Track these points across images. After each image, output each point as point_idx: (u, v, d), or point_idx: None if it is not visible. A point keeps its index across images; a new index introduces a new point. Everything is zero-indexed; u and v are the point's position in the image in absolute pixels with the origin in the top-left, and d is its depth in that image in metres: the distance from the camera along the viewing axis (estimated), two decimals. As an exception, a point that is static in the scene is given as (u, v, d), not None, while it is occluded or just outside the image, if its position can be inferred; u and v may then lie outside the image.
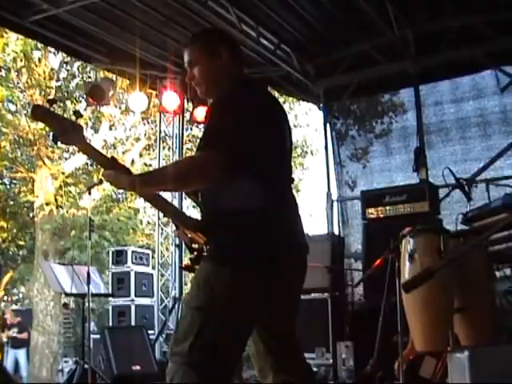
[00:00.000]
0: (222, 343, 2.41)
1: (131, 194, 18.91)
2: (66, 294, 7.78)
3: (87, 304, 7.20)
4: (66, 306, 14.12)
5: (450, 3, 7.29)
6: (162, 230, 9.52)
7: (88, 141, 2.61)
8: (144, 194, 2.73)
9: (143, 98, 8.27)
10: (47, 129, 17.35)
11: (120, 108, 17.12)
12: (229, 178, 2.40)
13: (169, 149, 9.64)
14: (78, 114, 2.56)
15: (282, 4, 7.24)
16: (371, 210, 7.12)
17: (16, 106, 17.75)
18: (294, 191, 2.75)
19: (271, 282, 2.48)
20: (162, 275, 9.81)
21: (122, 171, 2.51)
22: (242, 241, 2.45)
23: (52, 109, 2.51)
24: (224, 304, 2.42)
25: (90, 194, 6.33)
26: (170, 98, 8.53)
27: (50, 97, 17.61)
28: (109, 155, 2.61)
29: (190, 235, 2.67)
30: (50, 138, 2.56)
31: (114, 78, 8.41)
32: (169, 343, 9.11)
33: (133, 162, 18.30)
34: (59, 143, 2.54)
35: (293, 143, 2.82)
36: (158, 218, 9.52)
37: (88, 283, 6.91)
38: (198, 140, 2.51)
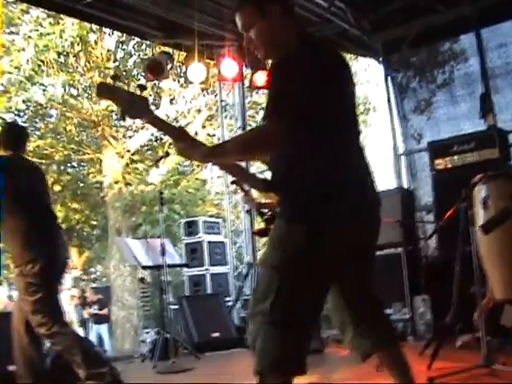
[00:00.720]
0: (300, 301, 2.43)
1: (198, 166, 19.13)
2: (143, 268, 8.00)
3: (163, 276, 7.38)
4: (142, 280, 14.45)
5: None
6: (230, 198, 9.62)
7: (155, 113, 2.63)
8: (216, 163, 2.76)
9: (202, 69, 8.24)
10: (110, 109, 17.80)
11: (179, 81, 17.23)
12: (296, 139, 2.39)
13: (231, 117, 9.66)
14: (142, 87, 2.58)
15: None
16: (439, 161, 6.99)
17: (77, 89, 18.12)
18: (362, 146, 2.71)
19: (345, 238, 2.48)
20: (234, 243, 9.94)
21: (192, 142, 2.55)
22: (313, 199, 2.44)
23: (116, 85, 2.53)
24: (299, 262, 2.44)
25: (157, 167, 6.42)
26: (229, 66, 8.50)
27: (109, 79, 17.83)
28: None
29: (259, 201, 2.70)
30: (118, 114, 2.57)
31: (171, 52, 8.44)
32: (246, 309, 9.26)
33: (196, 133, 18.46)
34: (127, 119, 2.57)
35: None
36: (227, 187, 9.60)
37: (163, 255, 7.06)
38: (263, 107, 2.51)
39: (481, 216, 3.96)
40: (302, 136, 2.40)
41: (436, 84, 9.09)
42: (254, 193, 3.32)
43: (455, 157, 6.85)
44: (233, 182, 3.27)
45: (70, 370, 4.97)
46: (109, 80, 2.54)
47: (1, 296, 19.88)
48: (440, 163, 6.96)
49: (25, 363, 4.92)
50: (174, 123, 18.68)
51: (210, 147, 2.65)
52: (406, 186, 8.72)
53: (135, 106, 2.50)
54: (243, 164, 2.76)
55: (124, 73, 18.24)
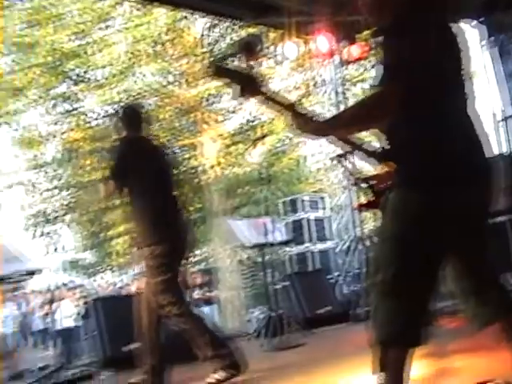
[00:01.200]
0: (420, 270, 2.41)
1: (298, 143, 19.10)
2: (247, 247, 8.12)
3: (268, 255, 7.46)
4: (246, 259, 14.66)
5: None
6: (332, 174, 9.56)
7: (267, 90, 2.62)
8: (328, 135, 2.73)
9: (295, 47, 8.24)
10: (207, 93, 18.05)
11: (273, 60, 17.22)
12: (412, 106, 2.36)
13: (327, 93, 9.56)
14: (251, 66, 2.59)
15: None
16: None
17: (171, 77, 18.42)
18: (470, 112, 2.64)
19: (460, 205, 2.43)
20: (337, 218, 9.90)
21: (306, 116, 2.55)
22: (427, 167, 2.41)
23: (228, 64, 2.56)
24: (416, 230, 2.42)
25: (255, 147, 6.46)
26: (322, 42, 8.44)
27: (202, 63, 18.18)
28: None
29: (364, 174, 2.68)
30: (231, 94, 2.60)
31: (263, 31, 8.44)
32: (350, 285, 9.23)
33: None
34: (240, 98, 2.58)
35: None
36: (330, 160, 9.49)
37: (268, 233, 7.14)
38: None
39: None
40: (417, 103, 2.36)
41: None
42: (361, 166, 3.30)
43: None
44: (339, 156, 3.24)
45: (186, 350, 5.13)
46: (218, 62, 2.57)
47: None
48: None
49: (148, 344, 5.10)
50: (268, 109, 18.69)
51: (326, 119, 2.67)
52: (506, 151, 8.43)
53: (249, 85, 2.52)
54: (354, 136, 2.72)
55: (217, 56, 18.41)
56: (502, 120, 8.62)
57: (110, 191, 5.05)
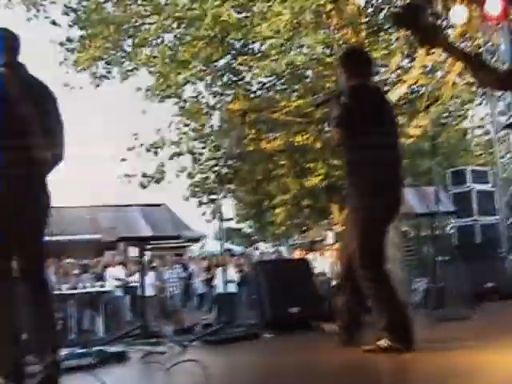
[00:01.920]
0: None
1: (459, 116, 18.39)
2: (412, 217, 8.02)
3: (432, 225, 7.32)
4: (406, 232, 14.46)
5: None
6: (500, 146, 9.13)
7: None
8: None
9: (464, 10, 7.87)
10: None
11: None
12: None
13: (496, 61, 9.11)
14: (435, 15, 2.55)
15: None
16: None
17: (332, 48, 18.34)
18: None
19: None
20: (505, 192, 9.48)
21: (487, 67, 2.50)
22: None
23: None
24: None
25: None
26: (493, 4, 7.98)
27: (363, 34, 18.01)
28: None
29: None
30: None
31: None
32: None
33: (453, 83, 17.74)
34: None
35: None
36: (496, 132, 9.09)
37: (432, 204, 7.01)
38: None
39: None
40: None
41: None
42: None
43: None
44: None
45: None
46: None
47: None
48: None
49: (347, 313, 5.19)
50: (431, 74, 18.20)
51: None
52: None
53: (432, 32, 2.47)
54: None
55: (376, 27, 18.13)
56: None
57: (337, 140, 4.93)
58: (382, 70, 18.57)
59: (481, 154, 19.64)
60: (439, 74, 18.20)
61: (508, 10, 8.15)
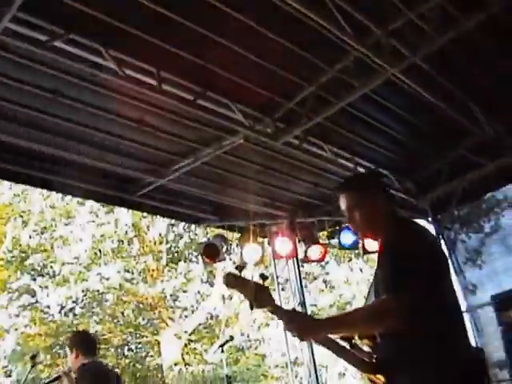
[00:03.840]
0: None
1: (256, 340, 18.82)
2: None
3: None
4: None
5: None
6: (293, 370, 9.29)
7: (275, 301, 2.69)
8: (322, 339, 2.76)
9: (257, 249, 8.30)
10: (166, 292, 18.08)
11: (232, 260, 17.38)
12: (412, 320, 2.43)
13: (283, 289, 9.63)
14: (264, 276, 2.65)
15: (372, 130, 7.38)
16: (506, 314, 6.84)
17: (132, 274, 18.53)
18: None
19: None
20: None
21: (307, 319, 2.67)
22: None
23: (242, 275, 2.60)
24: None
25: (222, 351, 6.34)
26: (282, 244, 8.58)
27: (163, 261, 18.49)
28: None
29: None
30: (248, 305, 2.58)
31: (225, 233, 8.55)
32: None
33: (252, 307, 18.37)
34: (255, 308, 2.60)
35: None
36: (290, 362, 9.25)
37: None
38: (381, 281, 2.58)
39: None
40: (418, 317, 2.44)
41: (484, 233, 9.08)
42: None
43: (522, 308, 6.70)
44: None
45: None
46: (235, 271, 2.61)
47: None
48: (508, 315, 6.81)
49: None
50: (230, 300, 18.80)
51: (325, 320, 2.83)
52: (473, 343, 8.41)
53: (260, 296, 2.56)
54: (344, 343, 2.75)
55: (176, 254, 18.73)
56: (466, 311, 8.69)
57: None
58: (181, 295, 19.00)
59: (279, 377, 19.96)
60: (236, 299, 18.93)
61: (296, 249, 8.81)
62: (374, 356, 2.70)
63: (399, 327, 2.45)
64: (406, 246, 2.59)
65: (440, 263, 2.68)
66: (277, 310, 2.65)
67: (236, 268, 2.63)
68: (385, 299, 2.50)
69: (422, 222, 9.16)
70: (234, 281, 2.59)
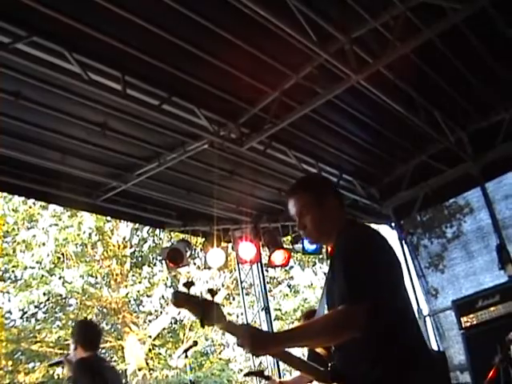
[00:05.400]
0: None
1: (219, 345, 18.79)
2: None
3: None
4: None
5: (495, 98, 7.35)
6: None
7: (227, 317, 2.62)
8: (277, 352, 2.71)
9: (221, 254, 8.31)
10: (130, 296, 17.94)
11: (196, 264, 17.35)
12: (370, 328, 2.41)
13: (247, 294, 9.66)
14: (213, 292, 2.56)
15: (336, 137, 7.47)
16: (466, 318, 6.93)
17: (96, 278, 18.36)
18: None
19: None
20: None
21: (261, 334, 2.58)
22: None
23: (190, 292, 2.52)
24: None
25: (186, 356, 6.30)
26: (246, 248, 8.60)
27: (127, 265, 18.36)
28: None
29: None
30: (198, 323, 2.51)
31: (189, 238, 8.54)
32: None
33: (202, 325, 18.36)
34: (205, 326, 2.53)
35: None
36: (254, 366, 9.29)
37: None
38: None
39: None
40: (375, 324, 2.41)
41: (446, 238, 9.22)
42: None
43: (481, 312, 6.79)
44: (247, 374, 3.23)
45: None
46: (183, 288, 2.52)
47: None
48: (467, 321, 6.90)
49: None
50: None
51: (280, 334, 2.79)
52: (435, 347, 8.51)
53: (210, 313, 2.49)
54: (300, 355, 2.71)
55: (140, 258, 18.63)
56: (428, 315, 8.81)
57: None
58: (145, 300, 18.89)
59: (244, 382, 19.99)
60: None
61: (260, 254, 8.86)
62: (330, 364, 2.67)
63: (357, 336, 2.43)
64: (358, 251, 2.57)
65: (394, 267, 2.66)
66: (228, 326, 2.60)
67: (184, 285, 2.55)
68: (342, 311, 2.46)
69: (385, 227, 9.32)
70: (182, 299, 2.51)
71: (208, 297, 2.53)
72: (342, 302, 2.45)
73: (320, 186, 2.92)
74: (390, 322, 2.48)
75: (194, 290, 2.52)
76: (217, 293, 2.58)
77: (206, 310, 2.50)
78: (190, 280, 2.60)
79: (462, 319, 6.94)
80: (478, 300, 6.85)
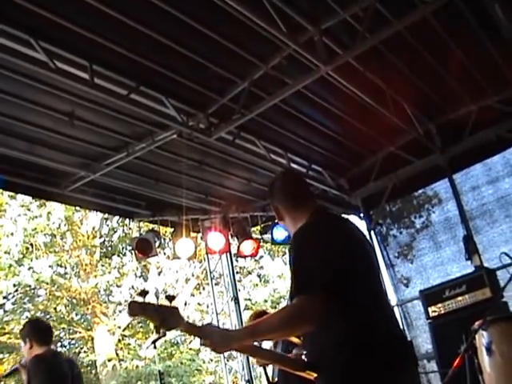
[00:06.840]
0: None
1: (190, 335, 18.77)
2: None
3: None
4: None
5: (464, 90, 7.41)
6: (227, 365, 9.31)
7: (186, 320, 2.62)
8: (243, 348, 2.73)
9: (190, 244, 8.30)
10: (99, 286, 17.84)
11: (166, 254, 17.32)
12: (328, 314, 2.44)
13: (217, 284, 9.68)
14: (170, 297, 2.57)
15: (305, 127, 7.48)
16: (434, 308, 7.01)
17: (65, 268, 18.23)
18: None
19: None
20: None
21: (223, 333, 2.61)
22: (350, 375, 2.45)
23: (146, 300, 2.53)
24: None
25: (155, 347, 6.28)
26: (215, 239, 8.61)
27: (97, 255, 18.23)
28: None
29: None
30: (153, 329, 2.52)
31: (158, 228, 8.52)
32: None
33: (186, 303, 18.40)
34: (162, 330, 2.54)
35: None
36: (224, 356, 9.28)
37: None
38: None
39: (487, 363, 3.96)
40: (333, 310, 2.44)
41: (416, 229, 9.30)
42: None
43: (448, 302, 6.88)
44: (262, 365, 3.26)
45: None
46: (137, 297, 2.53)
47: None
48: (435, 310, 6.98)
49: None
50: (163, 294, 18.75)
51: (242, 331, 2.81)
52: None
53: (168, 318, 2.48)
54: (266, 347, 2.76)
55: (109, 248, 18.52)
56: (396, 305, 8.88)
57: None
58: (115, 290, 18.81)
59: (214, 371, 20.03)
60: (171, 293, 18.79)
61: (229, 244, 8.86)
62: (304, 352, 2.71)
63: (318, 325, 2.47)
64: (306, 242, 2.63)
65: (355, 256, 2.67)
66: (189, 328, 2.62)
67: (139, 294, 2.56)
68: (294, 304, 2.51)
69: (354, 217, 9.37)
70: (138, 308, 2.48)
71: (165, 302, 2.54)
72: (295, 295, 2.50)
73: (276, 189, 3.04)
74: (351, 310, 2.49)
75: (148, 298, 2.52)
76: (174, 298, 2.61)
77: (164, 316, 2.50)
78: (144, 289, 2.62)
79: (429, 309, 7.04)
80: (445, 290, 6.95)
